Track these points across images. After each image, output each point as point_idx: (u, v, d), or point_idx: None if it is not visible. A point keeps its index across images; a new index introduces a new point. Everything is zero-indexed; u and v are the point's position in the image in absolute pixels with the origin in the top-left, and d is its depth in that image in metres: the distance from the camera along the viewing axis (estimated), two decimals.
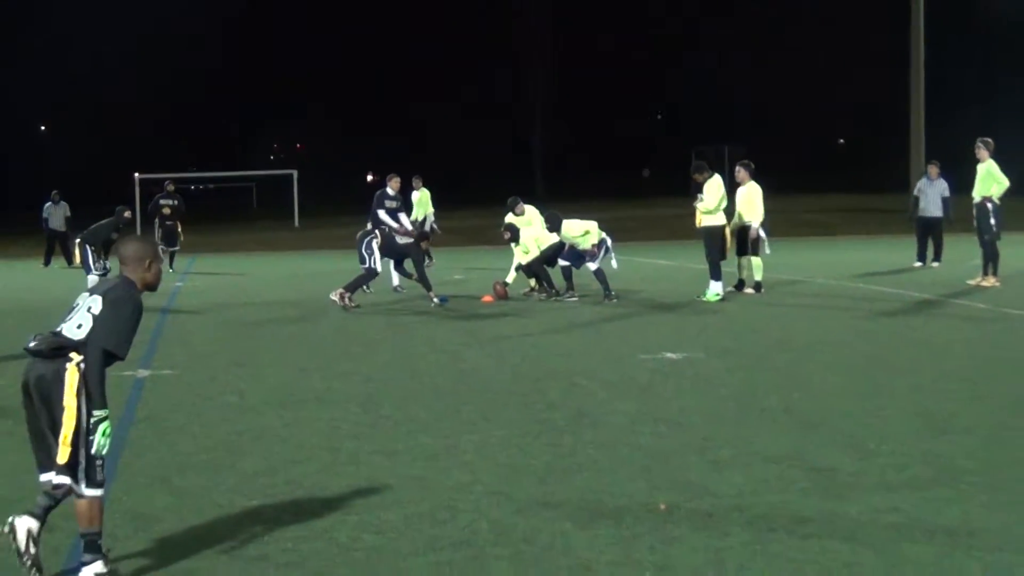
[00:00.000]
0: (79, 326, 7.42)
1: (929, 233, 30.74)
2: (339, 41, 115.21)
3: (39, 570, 7.43)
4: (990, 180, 25.02)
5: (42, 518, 7.48)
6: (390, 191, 26.78)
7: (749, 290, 24.17)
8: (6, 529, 7.43)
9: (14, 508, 7.69)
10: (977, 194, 25.19)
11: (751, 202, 24.14)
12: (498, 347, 17.79)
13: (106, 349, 7.38)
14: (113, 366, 7.59)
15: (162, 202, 36.32)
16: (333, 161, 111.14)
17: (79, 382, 7.27)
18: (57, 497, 7.51)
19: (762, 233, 24.14)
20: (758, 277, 24.26)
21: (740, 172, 24.54)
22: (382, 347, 18.11)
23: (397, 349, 17.83)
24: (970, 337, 17.84)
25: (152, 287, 7.82)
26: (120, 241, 8.13)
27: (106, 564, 7.48)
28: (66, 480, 7.35)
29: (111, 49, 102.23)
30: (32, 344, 7.41)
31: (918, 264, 30.32)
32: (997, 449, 10.48)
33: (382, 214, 25.53)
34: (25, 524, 7.41)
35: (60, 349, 7.34)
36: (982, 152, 25.17)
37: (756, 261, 24.24)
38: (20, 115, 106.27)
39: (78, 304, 7.61)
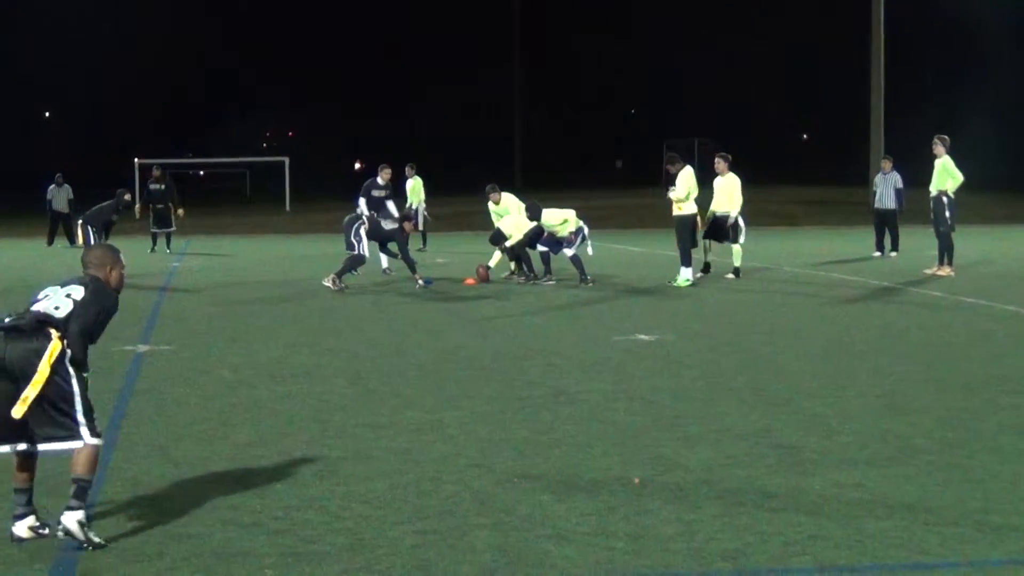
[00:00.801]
0: (56, 307, 7.57)
1: (885, 224, 30.80)
2: (335, 32, 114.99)
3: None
4: (946, 175, 25.04)
5: (30, 511, 7.68)
6: (380, 180, 26.77)
7: (729, 275, 24.23)
8: (15, 542, 7.55)
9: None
10: (934, 188, 25.21)
11: (730, 192, 24.22)
12: (480, 327, 17.77)
13: (84, 328, 7.57)
14: (116, 341, 7.62)
15: (152, 187, 36.18)
16: (323, 149, 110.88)
17: (59, 353, 7.37)
18: (27, 487, 7.65)
19: (740, 221, 24.22)
20: (737, 263, 24.34)
21: (719, 163, 24.60)
22: (369, 326, 18.07)
23: (383, 328, 17.80)
24: (926, 323, 17.87)
25: (116, 290, 8.03)
26: (86, 250, 8.24)
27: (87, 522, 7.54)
28: (54, 446, 7.51)
29: (111, 35, 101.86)
30: (8, 320, 7.47)
31: (876, 254, 30.37)
32: (952, 429, 10.50)
33: (362, 202, 25.53)
34: (23, 526, 7.61)
35: (43, 324, 7.42)
36: (938, 148, 25.20)
37: (736, 248, 24.31)
38: (24, 100, 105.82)
39: (49, 291, 7.77)
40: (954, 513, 8.04)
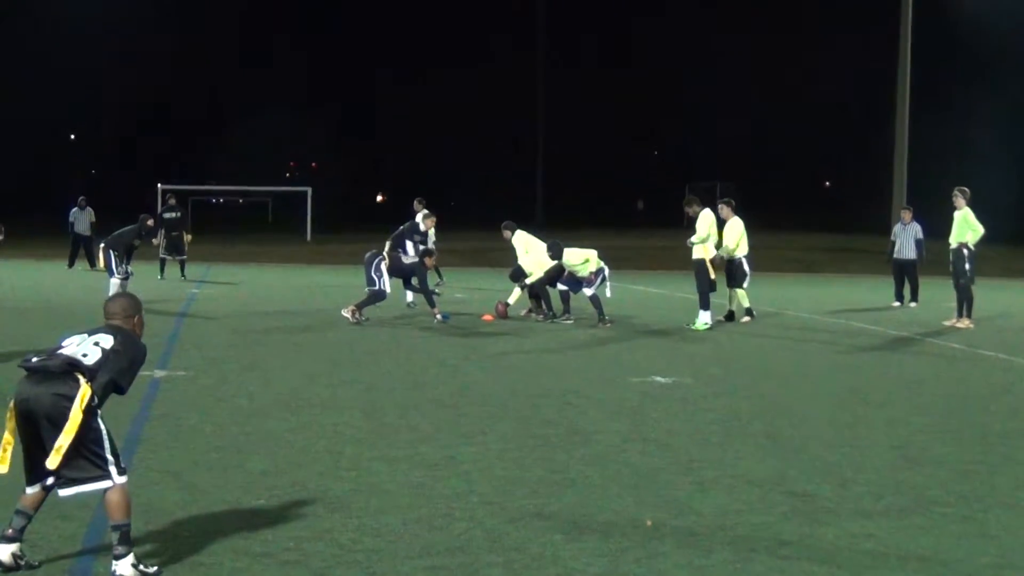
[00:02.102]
0: (84, 355, 7.52)
1: (904, 274, 30.72)
2: (357, 68, 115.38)
3: (31, 567, 7.57)
4: (966, 227, 25.00)
5: (20, 539, 7.58)
6: (422, 227, 26.90)
7: (746, 318, 24.25)
8: None
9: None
10: (954, 240, 25.17)
11: (739, 236, 24.30)
12: (497, 364, 17.76)
13: (115, 380, 7.58)
14: None
15: (166, 216, 36.43)
16: (345, 181, 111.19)
17: (89, 398, 7.32)
18: (31, 514, 7.61)
19: (745, 265, 24.28)
20: (747, 304, 24.39)
21: (724, 209, 24.65)
22: (386, 359, 18.07)
23: (400, 361, 17.80)
24: (944, 375, 17.81)
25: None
26: (109, 300, 8.24)
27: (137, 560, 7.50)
28: (81, 489, 7.48)
29: (138, 61, 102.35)
30: (35, 361, 7.44)
31: (896, 304, 30.29)
32: (968, 481, 10.45)
33: (409, 246, 25.67)
34: (7, 550, 7.53)
35: (72, 368, 7.37)
36: (959, 200, 25.16)
37: (740, 292, 24.37)
38: (49, 123, 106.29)
39: (75, 338, 7.73)
40: (968, 567, 7.99)
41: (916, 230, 30.64)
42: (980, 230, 24.99)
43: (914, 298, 30.25)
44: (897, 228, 31.35)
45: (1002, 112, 78.44)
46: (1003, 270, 44.02)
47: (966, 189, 25.31)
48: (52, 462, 7.25)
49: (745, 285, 24.49)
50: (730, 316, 24.55)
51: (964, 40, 79.40)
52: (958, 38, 79.49)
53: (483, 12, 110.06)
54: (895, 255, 30.87)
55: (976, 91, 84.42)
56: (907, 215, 31.33)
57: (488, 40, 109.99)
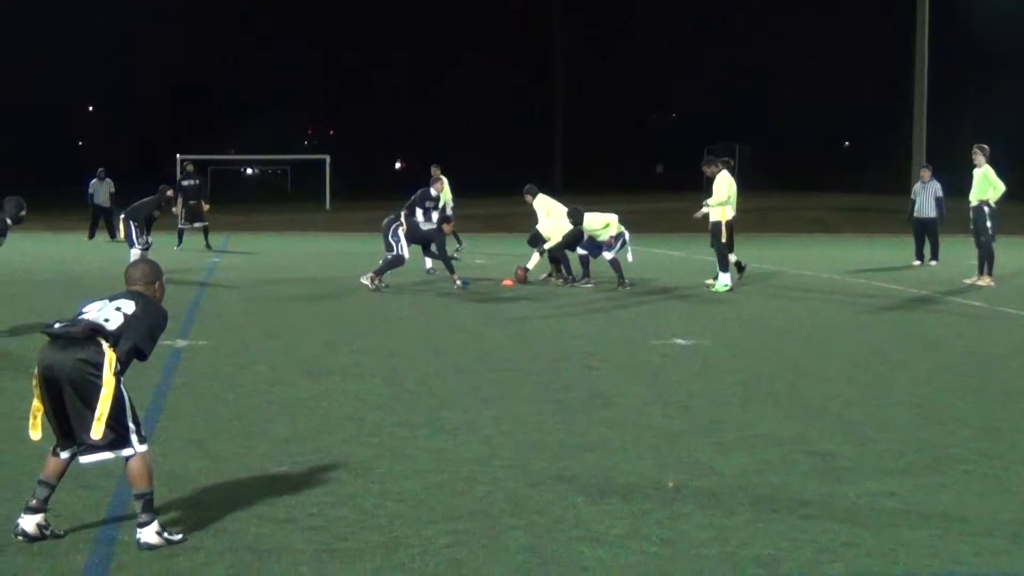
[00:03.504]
0: (107, 319, 7.55)
1: (924, 233, 30.65)
2: (373, 33, 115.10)
3: (56, 536, 7.60)
4: (987, 184, 24.94)
5: (44, 509, 7.61)
6: (433, 192, 26.89)
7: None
8: (18, 536, 7.54)
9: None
10: (974, 198, 25.11)
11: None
12: (517, 329, 17.79)
13: (137, 345, 7.59)
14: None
15: (184, 183, 36.43)
16: (363, 147, 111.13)
17: (115, 363, 7.35)
18: (54, 484, 7.65)
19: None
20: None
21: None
22: (406, 325, 18.12)
23: (420, 328, 17.84)
24: (965, 333, 17.78)
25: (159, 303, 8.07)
26: (130, 266, 8.26)
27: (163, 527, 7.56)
28: (102, 456, 7.50)
29: (152, 31, 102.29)
30: (58, 327, 7.47)
31: (916, 263, 30.21)
32: (989, 439, 10.46)
33: (419, 212, 25.65)
34: (32, 520, 7.55)
35: (95, 334, 7.40)
36: (979, 157, 25.09)
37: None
38: (67, 95, 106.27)
39: (97, 303, 7.77)
40: (989, 523, 8.01)
41: (936, 188, 30.55)
42: (1001, 187, 24.93)
43: (934, 256, 30.19)
44: (917, 187, 31.28)
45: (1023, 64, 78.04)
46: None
47: (985, 146, 25.24)
48: (96, 432, 7.29)
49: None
50: (739, 267, 24.51)
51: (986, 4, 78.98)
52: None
53: None
54: (915, 214, 30.81)
55: (996, 43, 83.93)
56: (926, 173, 31.23)
57: (507, 8, 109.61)
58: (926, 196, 30.56)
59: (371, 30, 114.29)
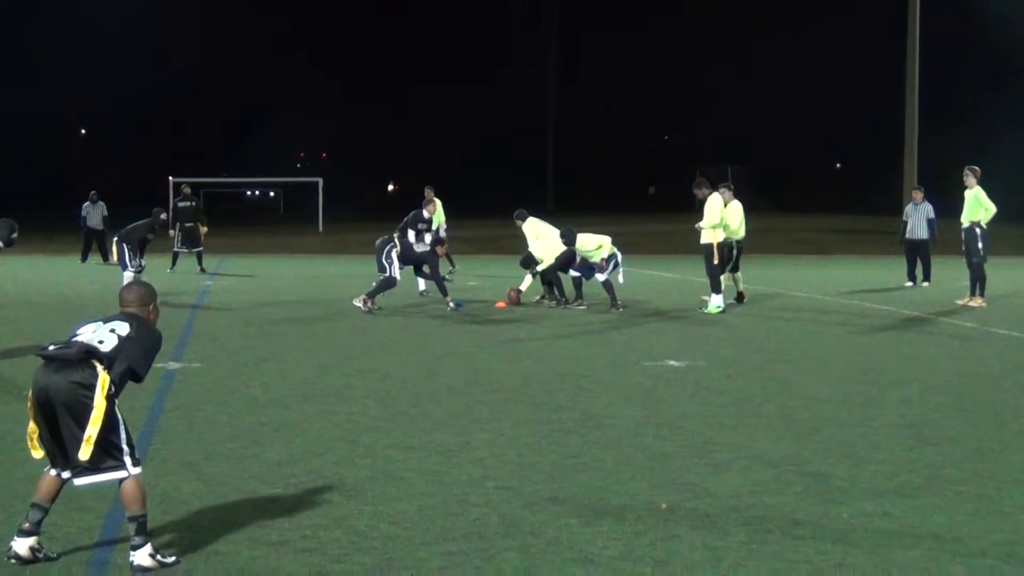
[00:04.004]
0: (101, 341, 7.54)
1: (916, 254, 30.71)
2: (368, 58, 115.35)
3: (49, 559, 7.58)
4: (978, 206, 24.98)
5: (37, 532, 7.58)
6: (425, 214, 26.89)
7: (730, 301, 24.39)
8: (11, 559, 7.51)
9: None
10: (966, 219, 25.14)
11: (739, 219, 24.43)
12: (510, 350, 17.79)
13: (132, 368, 7.57)
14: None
15: (180, 205, 36.37)
16: (356, 170, 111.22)
17: (108, 386, 7.33)
18: (47, 507, 7.63)
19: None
20: (740, 288, 24.64)
21: (725, 193, 24.67)
22: (400, 347, 18.11)
23: (414, 349, 17.83)
24: (957, 354, 17.80)
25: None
26: (124, 288, 8.26)
27: (155, 550, 7.54)
28: (96, 478, 7.48)
29: (146, 54, 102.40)
30: (52, 349, 7.46)
31: (908, 283, 30.27)
32: (981, 460, 10.47)
33: (411, 234, 25.64)
34: (25, 544, 7.52)
35: (89, 356, 7.39)
36: (970, 179, 25.14)
37: (737, 275, 24.59)
38: (60, 118, 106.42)
39: (91, 325, 7.76)
40: (982, 544, 8.01)
41: (928, 210, 30.63)
42: (992, 209, 24.96)
43: (926, 278, 30.23)
44: (909, 208, 31.34)
45: (1015, 88, 78.18)
46: (1015, 248, 43.86)
47: (976, 168, 25.28)
48: (84, 453, 7.28)
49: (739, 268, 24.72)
50: (740, 297, 24.63)
51: (975, 19, 79.17)
52: (969, 17, 79.29)
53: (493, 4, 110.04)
54: (907, 235, 30.88)
55: (988, 68, 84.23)
56: (918, 195, 31.33)
57: (498, 30, 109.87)
58: (918, 218, 30.63)
59: (367, 54, 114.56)
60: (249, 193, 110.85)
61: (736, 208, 24.57)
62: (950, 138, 73.44)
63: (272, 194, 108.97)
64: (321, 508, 8.81)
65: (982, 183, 24.99)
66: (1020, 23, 68.47)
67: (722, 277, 23.61)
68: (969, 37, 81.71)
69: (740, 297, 24.68)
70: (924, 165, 52.95)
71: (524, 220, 25.41)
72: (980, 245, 24.89)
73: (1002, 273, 30.55)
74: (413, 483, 9.58)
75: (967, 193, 25.14)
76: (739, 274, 24.79)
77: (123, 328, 7.65)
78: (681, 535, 8.18)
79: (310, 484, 9.49)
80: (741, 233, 24.65)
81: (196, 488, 9.39)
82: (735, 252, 24.50)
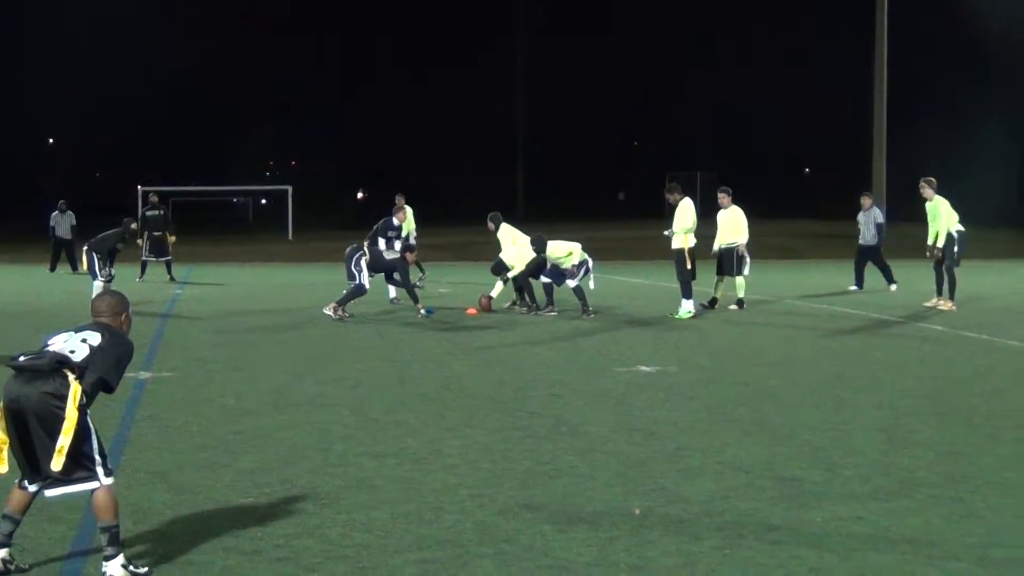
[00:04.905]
0: (72, 351, 7.50)
1: (866, 260, 30.83)
2: (338, 66, 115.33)
3: (21, 570, 7.56)
4: (948, 216, 24.90)
5: (8, 543, 7.55)
6: (395, 221, 26.82)
7: (733, 306, 24.41)
8: None
9: None
10: (942, 237, 24.96)
11: (736, 224, 24.43)
12: (482, 357, 17.77)
13: (104, 378, 7.53)
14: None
15: (148, 214, 36.18)
16: (326, 178, 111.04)
17: (80, 396, 7.29)
18: (18, 519, 7.60)
19: (746, 253, 24.39)
20: (741, 295, 24.57)
21: (722, 197, 24.80)
22: (372, 355, 18.07)
23: (386, 357, 17.80)
24: (928, 357, 17.86)
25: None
26: (96, 298, 8.24)
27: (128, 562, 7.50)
28: (68, 489, 7.44)
29: (115, 64, 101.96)
30: (23, 359, 7.41)
31: (853, 288, 30.35)
32: (954, 462, 10.50)
33: (381, 242, 25.59)
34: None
35: (61, 366, 7.35)
36: (927, 191, 25.12)
37: (739, 280, 24.50)
38: (30, 129, 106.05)
39: (63, 335, 7.72)
40: (956, 547, 8.03)
41: (876, 215, 30.74)
42: (954, 217, 25.03)
43: (890, 280, 30.22)
44: (860, 215, 31.38)
45: (984, 95, 78.53)
46: (985, 252, 44.02)
47: (932, 179, 25.30)
48: (56, 464, 7.23)
49: (746, 272, 24.64)
50: (712, 303, 24.61)
51: (942, 27, 79.61)
52: (937, 24, 79.72)
53: (463, 5, 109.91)
54: (859, 241, 30.98)
55: (957, 74, 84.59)
56: (866, 201, 31.43)
57: (467, 33, 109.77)
58: (867, 223, 30.73)
59: (335, 60, 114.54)
60: (236, 200, 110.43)
61: (733, 213, 24.59)
62: (918, 140, 73.68)
63: (264, 201, 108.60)
64: (294, 517, 8.78)
65: (944, 191, 25.03)
66: (981, 36, 68.94)
67: (725, 280, 23.82)
68: (936, 42, 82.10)
69: (712, 302, 24.68)
70: (892, 167, 53.07)
71: (498, 225, 25.40)
72: (956, 249, 24.99)
73: (972, 276, 30.65)
74: (386, 491, 9.56)
75: (927, 205, 25.11)
76: (741, 279, 24.72)
77: (94, 338, 7.61)
78: (655, 540, 8.18)
79: (283, 493, 9.47)
80: (744, 237, 24.58)
81: (168, 498, 9.35)
82: (736, 257, 24.47)
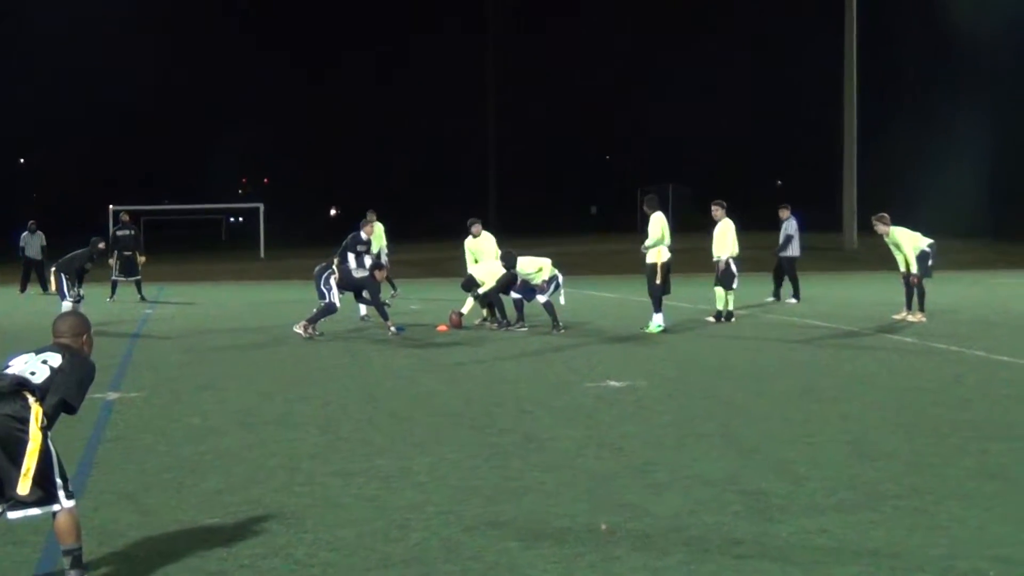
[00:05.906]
0: (32, 372, 7.50)
1: (783, 272, 31.07)
2: (304, 80, 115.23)
3: None
4: (904, 244, 24.91)
5: None
6: (363, 235, 26.80)
7: (710, 318, 24.54)
8: None
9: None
10: (906, 265, 24.98)
11: (725, 237, 24.59)
12: (451, 374, 17.78)
13: (65, 399, 7.50)
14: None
15: (119, 234, 36.10)
16: (297, 195, 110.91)
17: (41, 418, 7.28)
18: None
19: (733, 267, 24.52)
20: (719, 306, 24.96)
21: (716, 210, 24.96)
22: (341, 373, 18.07)
23: (355, 375, 17.80)
24: (896, 369, 17.93)
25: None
26: (58, 319, 8.22)
27: None
28: (29, 512, 7.41)
29: (84, 81, 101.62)
30: None
31: (770, 300, 30.59)
32: (920, 474, 10.54)
33: (351, 257, 25.58)
34: None
35: (21, 388, 7.34)
36: (880, 227, 25.08)
37: (719, 291, 24.68)
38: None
39: (24, 356, 7.71)
40: (920, 559, 8.06)
41: (786, 227, 30.96)
42: (918, 238, 25.09)
43: (795, 295, 30.51)
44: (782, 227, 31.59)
45: (956, 108, 78.84)
46: (953, 263, 44.18)
47: (884, 215, 25.28)
48: (23, 488, 7.21)
49: (735, 287, 24.78)
50: (719, 316, 24.81)
51: (913, 36, 79.96)
52: (906, 32, 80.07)
53: (431, 14, 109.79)
54: (778, 252, 31.19)
55: (929, 86, 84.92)
56: (784, 213, 31.63)
57: (436, 44, 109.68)
58: (782, 235, 30.99)
59: (301, 77, 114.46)
60: (233, 219, 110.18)
61: (723, 227, 24.77)
62: (889, 149, 73.94)
63: (237, 219, 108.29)
64: (260, 537, 8.77)
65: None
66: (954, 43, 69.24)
67: (722, 293, 24.02)
68: (904, 49, 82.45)
69: (728, 316, 24.83)
70: (863, 175, 53.28)
71: (479, 233, 25.54)
72: (929, 263, 25.12)
73: (942, 288, 30.79)
74: (353, 509, 9.56)
75: (886, 240, 25.11)
76: (722, 291, 24.87)
77: (55, 359, 7.61)
78: (621, 556, 8.20)
79: (250, 513, 9.46)
80: (730, 251, 24.72)
81: (134, 519, 9.33)
82: (725, 268, 24.64)
